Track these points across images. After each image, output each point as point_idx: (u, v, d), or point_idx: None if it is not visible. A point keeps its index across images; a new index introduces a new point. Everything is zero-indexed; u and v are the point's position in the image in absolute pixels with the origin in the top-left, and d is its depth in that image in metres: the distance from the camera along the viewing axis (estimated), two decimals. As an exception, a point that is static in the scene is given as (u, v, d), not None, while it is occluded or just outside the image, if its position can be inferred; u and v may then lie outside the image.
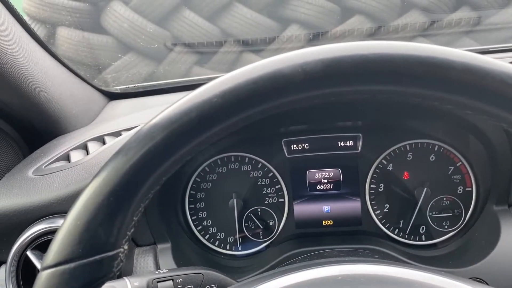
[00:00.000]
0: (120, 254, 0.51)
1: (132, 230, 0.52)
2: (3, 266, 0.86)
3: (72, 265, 0.47)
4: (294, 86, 0.48)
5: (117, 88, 1.43)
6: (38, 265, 0.79)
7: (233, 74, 0.49)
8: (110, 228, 0.49)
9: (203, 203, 1.01)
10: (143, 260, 0.86)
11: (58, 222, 0.80)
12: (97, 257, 0.49)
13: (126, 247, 0.51)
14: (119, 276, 0.79)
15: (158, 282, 0.68)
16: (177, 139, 0.49)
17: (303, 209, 1.01)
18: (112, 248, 0.50)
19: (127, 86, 1.45)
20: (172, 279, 0.69)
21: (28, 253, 0.80)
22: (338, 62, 0.47)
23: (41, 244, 0.81)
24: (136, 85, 1.45)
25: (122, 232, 0.50)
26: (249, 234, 1.01)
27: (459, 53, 0.47)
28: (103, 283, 0.50)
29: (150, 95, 1.39)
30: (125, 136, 0.92)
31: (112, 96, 1.39)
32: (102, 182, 0.48)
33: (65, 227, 0.48)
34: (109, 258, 0.50)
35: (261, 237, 1.01)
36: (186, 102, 0.49)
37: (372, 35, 1.79)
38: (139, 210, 0.51)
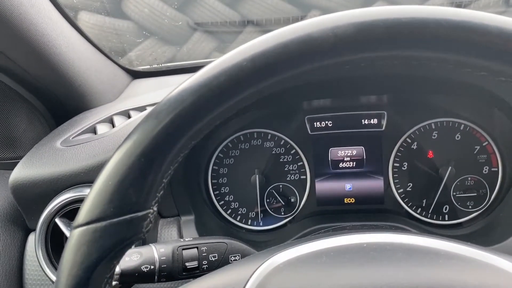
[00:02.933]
0: (149, 215, 0.52)
1: (161, 192, 0.52)
2: (33, 234, 0.89)
3: (103, 223, 0.48)
4: (325, 51, 0.48)
5: (140, 68, 1.45)
6: (66, 231, 0.81)
7: (263, 38, 0.49)
8: (140, 189, 0.50)
9: (225, 178, 1.02)
10: (167, 230, 0.87)
11: (85, 191, 0.82)
12: (127, 216, 0.49)
13: (155, 208, 0.52)
14: (144, 242, 0.80)
15: (183, 249, 0.70)
16: (206, 102, 0.49)
17: (325, 186, 1.01)
18: (142, 208, 0.50)
19: (150, 65, 1.46)
20: (197, 247, 0.70)
21: (57, 220, 0.82)
22: (370, 26, 0.47)
23: (69, 212, 0.83)
24: (160, 65, 1.46)
25: (152, 193, 0.51)
26: (271, 210, 1.02)
27: (495, 18, 0.46)
28: (132, 242, 0.51)
29: (172, 74, 1.40)
30: (151, 109, 0.94)
31: (135, 75, 1.40)
32: (133, 144, 0.49)
33: (96, 187, 0.49)
34: (139, 218, 0.50)
35: (282, 213, 1.02)
36: (215, 66, 0.50)
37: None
38: (169, 173, 0.52)
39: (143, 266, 0.66)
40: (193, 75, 0.51)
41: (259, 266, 0.52)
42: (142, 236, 0.53)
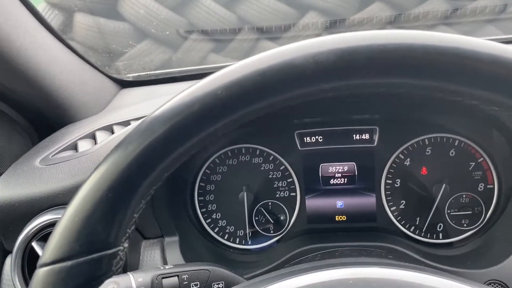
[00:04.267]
0: (119, 252, 0.49)
1: (132, 228, 0.49)
2: (9, 256, 0.86)
3: (69, 263, 0.45)
4: (305, 79, 0.45)
5: (129, 76, 1.41)
6: (43, 256, 0.78)
7: (239, 64, 0.46)
8: (109, 225, 0.47)
9: (212, 195, 0.99)
10: (150, 253, 0.84)
11: (64, 213, 0.79)
12: (95, 255, 0.47)
13: (126, 245, 0.49)
14: (125, 268, 0.77)
15: (163, 278, 0.66)
16: (179, 133, 0.46)
17: (315, 203, 0.98)
18: (111, 246, 0.47)
19: (139, 74, 1.43)
20: (178, 276, 0.67)
21: (33, 244, 0.79)
22: (353, 52, 0.43)
23: (47, 235, 0.80)
24: (148, 73, 1.43)
25: (121, 229, 0.48)
26: (260, 228, 0.99)
27: (487, 44, 0.43)
28: (102, 281, 0.48)
29: (162, 83, 1.37)
30: (133, 126, 0.90)
31: (124, 84, 1.37)
32: (101, 177, 0.46)
33: (62, 223, 0.47)
34: (108, 256, 0.48)
35: (271, 232, 0.99)
36: (189, 94, 0.46)
37: (392, 23, 1.73)
38: (140, 207, 0.49)
39: (120, 298, 0.63)
40: (168, 101, 0.48)
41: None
42: (112, 274, 0.50)
